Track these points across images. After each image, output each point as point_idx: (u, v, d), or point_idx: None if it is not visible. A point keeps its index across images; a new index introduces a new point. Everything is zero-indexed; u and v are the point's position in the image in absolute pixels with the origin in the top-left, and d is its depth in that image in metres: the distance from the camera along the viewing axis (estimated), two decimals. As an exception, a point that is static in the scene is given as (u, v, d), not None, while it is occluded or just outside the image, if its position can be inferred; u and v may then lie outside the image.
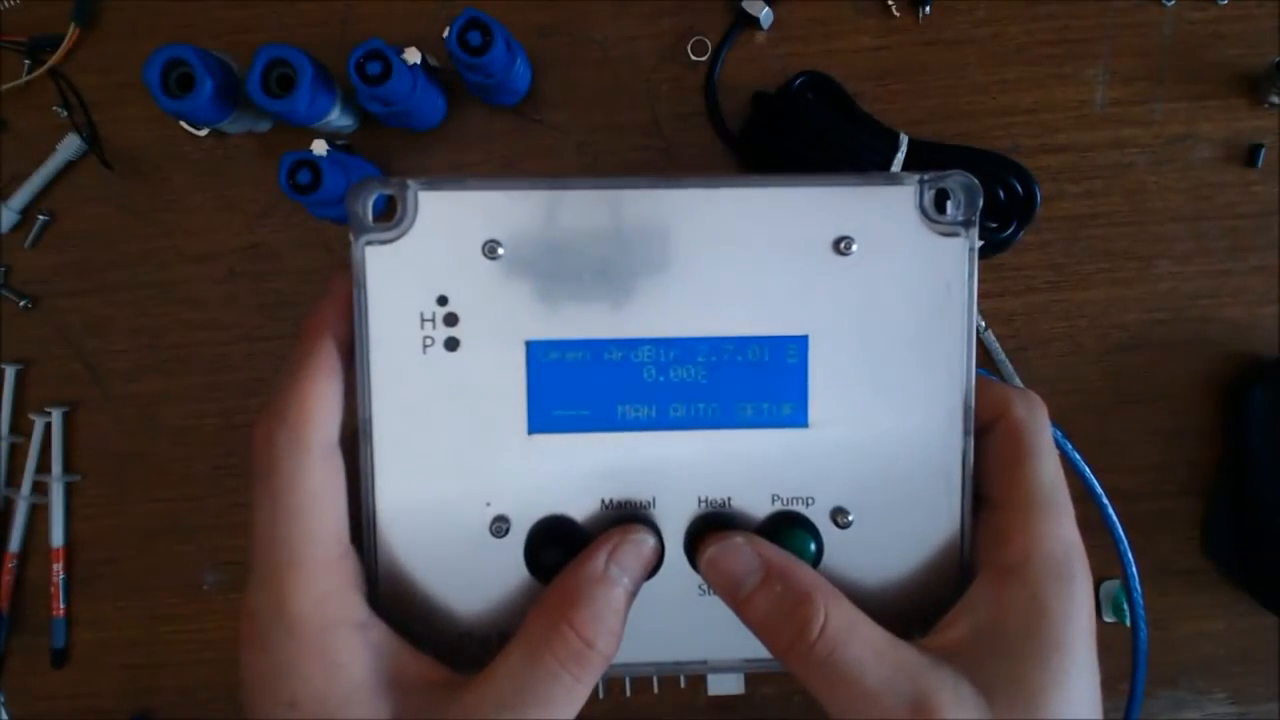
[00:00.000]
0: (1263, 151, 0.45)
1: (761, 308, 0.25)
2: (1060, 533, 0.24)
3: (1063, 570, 0.23)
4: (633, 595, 0.24)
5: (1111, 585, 0.46)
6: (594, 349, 0.25)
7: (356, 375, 0.25)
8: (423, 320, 0.25)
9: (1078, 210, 0.46)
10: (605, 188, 0.25)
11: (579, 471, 0.26)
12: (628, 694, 0.47)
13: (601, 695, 0.46)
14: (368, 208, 0.24)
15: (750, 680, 0.47)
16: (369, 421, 0.25)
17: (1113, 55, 0.45)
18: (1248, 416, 0.44)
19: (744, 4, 0.44)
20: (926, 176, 0.25)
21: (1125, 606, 0.35)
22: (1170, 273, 0.46)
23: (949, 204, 0.25)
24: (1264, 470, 0.44)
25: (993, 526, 0.25)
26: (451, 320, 0.25)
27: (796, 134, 0.43)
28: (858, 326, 0.25)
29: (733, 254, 0.25)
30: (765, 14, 0.44)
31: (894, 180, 0.25)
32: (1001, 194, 0.43)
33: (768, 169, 0.45)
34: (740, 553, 0.24)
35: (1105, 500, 0.35)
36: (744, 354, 0.25)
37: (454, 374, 0.25)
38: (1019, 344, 0.46)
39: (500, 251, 0.25)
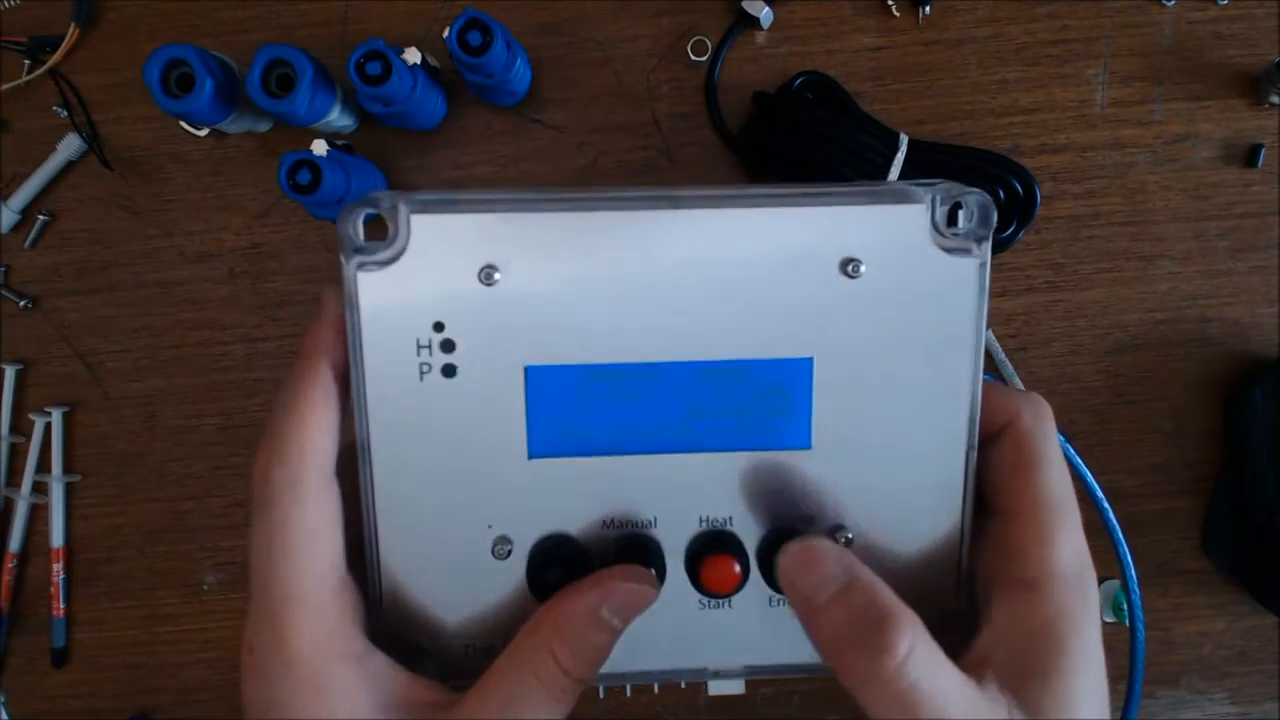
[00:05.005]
0: (1263, 151, 0.45)
1: (765, 331, 0.25)
2: (1074, 543, 0.24)
3: (1081, 582, 0.23)
4: (621, 632, 0.24)
5: (1111, 585, 0.46)
6: (594, 375, 0.25)
7: (353, 397, 0.24)
8: (419, 347, 0.24)
9: (1078, 210, 0.46)
10: (604, 209, 0.24)
11: (580, 494, 0.25)
12: (628, 693, 0.47)
13: (601, 695, 0.46)
14: (359, 229, 0.24)
15: (750, 680, 0.47)
16: (367, 445, 0.25)
17: (1113, 55, 0.45)
18: (1248, 416, 0.44)
19: (744, 4, 0.44)
20: (940, 196, 0.24)
21: (1125, 606, 0.35)
22: (1170, 273, 0.46)
23: (960, 215, 0.25)
24: (1264, 470, 0.44)
25: (1005, 539, 0.24)
26: (448, 347, 0.24)
27: (796, 134, 0.43)
28: (864, 347, 0.25)
29: (736, 277, 0.24)
30: (765, 14, 0.44)
31: (904, 199, 0.24)
32: (1001, 194, 0.43)
33: (768, 169, 0.45)
34: (825, 557, 0.23)
35: (1105, 504, 0.35)
36: (746, 378, 0.25)
37: (452, 400, 0.25)
38: (1019, 344, 0.46)
39: (497, 277, 0.24)
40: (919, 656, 0.21)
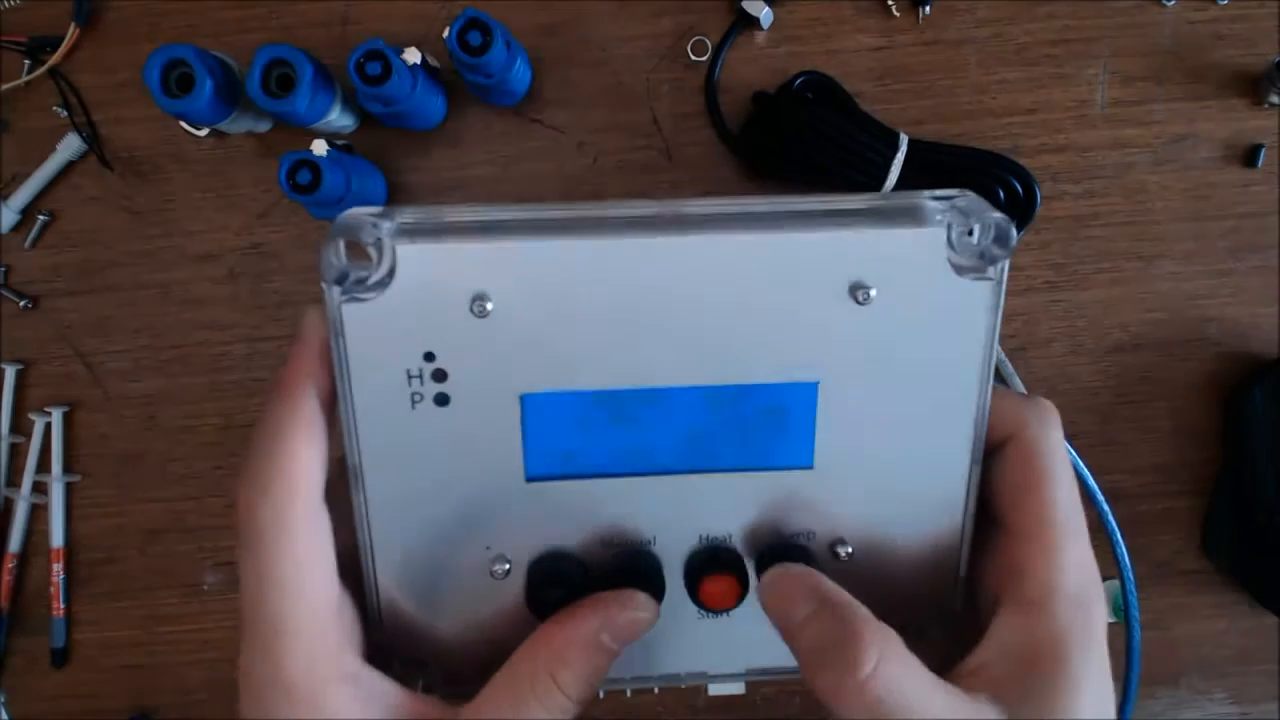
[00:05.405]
0: (1263, 151, 0.45)
1: (770, 355, 0.24)
2: (1079, 562, 0.23)
3: (1085, 601, 0.23)
4: (619, 654, 0.24)
5: (1112, 585, 0.46)
6: (592, 401, 0.24)
7: (341, 422, 0.24)
8: (409, 377, 0.23)
9: (1078, 210, 0.46)
10: (600, 235, 0.23)
11: (578, 513, 0.25)
12: (628, 694, 0.47)
13: (601, 695, 0.46)
14: (341, 255, 0.22)
15: (750, 680, 0.47)
16: (359, 469, 0.24)
17: (1113, 55, 0.45)
18: (1248, 416, 0.44)
19: (744, 4, 0.44)
20: (955, 221, 0.23)
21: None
22: (1170, 273, 0.46)
23: (976, 230, 0.24)
24: (1264, 470, 0.44)
25: (1010, 556, 0.24)
26: (440, 376, 0.23)
27: (796, 134, 0.43)
28: (871, 371, 0.24)
29: (740, 302, 0.23)
30: (765, 14, 0.44)
31: (919, 219, 0.23)
32: (1001, 194, 0.43)
33: (768, 169, 0.45)
34: (798, 581, 0.24)
35: (1105, 506, 0.35)
36: (749, 402, 0.24)
37: (446, 428, 0.24)
38: (1019, 344, 0.46)
39: (489, 307, 0.23)
40: (888, 669, 0.21)
